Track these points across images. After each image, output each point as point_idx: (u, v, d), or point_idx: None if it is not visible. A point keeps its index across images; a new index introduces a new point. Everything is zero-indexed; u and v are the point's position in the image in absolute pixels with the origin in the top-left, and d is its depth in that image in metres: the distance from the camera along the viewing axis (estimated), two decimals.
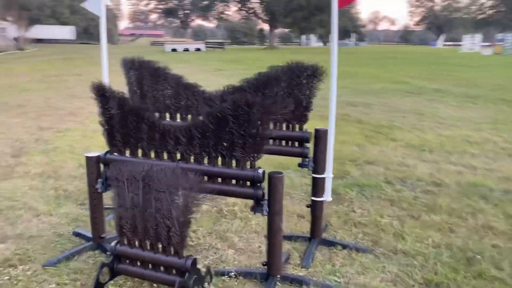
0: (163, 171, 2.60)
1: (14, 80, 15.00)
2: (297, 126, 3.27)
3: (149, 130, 2.88)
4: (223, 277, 2.86)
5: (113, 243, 2.71)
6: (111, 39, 66.91)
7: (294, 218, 3.82)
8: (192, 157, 2.83)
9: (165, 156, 2.91)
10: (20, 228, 3.49)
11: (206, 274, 2.72)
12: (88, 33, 65.16)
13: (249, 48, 52.72)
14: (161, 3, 55.67)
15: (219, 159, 2.76)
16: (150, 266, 2.64)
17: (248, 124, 2.61)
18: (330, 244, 3.31)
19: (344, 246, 3.26)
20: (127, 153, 3.00)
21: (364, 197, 4.31)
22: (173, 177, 2.57)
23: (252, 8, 51.66)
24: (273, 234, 2.75)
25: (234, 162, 2.72)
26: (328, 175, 3.28)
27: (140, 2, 68.66)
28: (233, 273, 2.88)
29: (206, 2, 51.23)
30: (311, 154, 3.22)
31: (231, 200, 4.06)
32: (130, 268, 2.69)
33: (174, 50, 35.45)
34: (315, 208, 3.33)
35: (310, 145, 3.21)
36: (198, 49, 36.68)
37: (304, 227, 3.61)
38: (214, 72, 18.46)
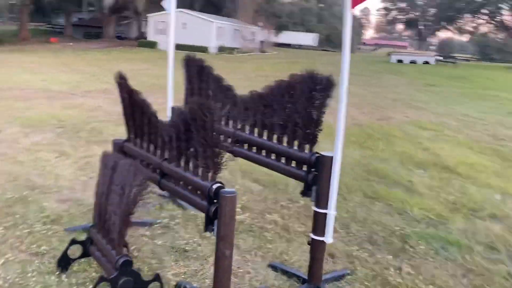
0: (123, 166, 2.62)
1: (226, 76, 17.12)
2: (306, 146, 2.80)
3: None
4: None
5: (91, 226, 2.87)
6: (350, 48, 68.71)
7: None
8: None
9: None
10: None
11: (152, 280, 2.61)
12: (329, 40, 68.61)
13: (495, 66, 46.15)
14: (402, 14, 53.98)
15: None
16: (100, 253, 2.70)
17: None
18: None
19: None
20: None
21: (435, 257, 3.34)
22: (126, 173, 2.56)
23: (503, 21, 44.80)
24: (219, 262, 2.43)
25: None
26: (330, 211, 2.68)
27: (388, 13, 68.36)
28: None
29: (450, 13, 47.06)
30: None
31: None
32: (94, 252, 2.81)
33: (400, 61, 33.99)
34: (314, 248, 2.78)
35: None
36: (426, 62, 34.17)
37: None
38: (422, 87, 16.99)
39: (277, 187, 4.62)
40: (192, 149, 2.54)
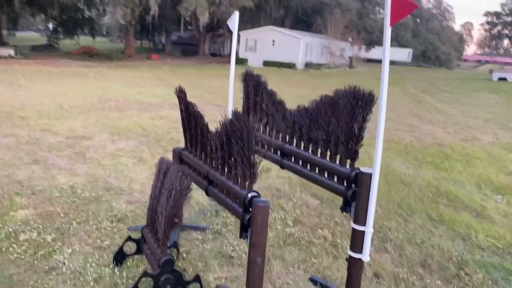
0: (173, 171, 2.84)
1: (309, 91, 17.16)
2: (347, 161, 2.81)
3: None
4: None
5: (144, 226, 3.14)
6: (447, 64, 65.10)
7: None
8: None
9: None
10: None
11: (193, 280, 2.79)
12: (425, 56, 65.62)
13: None
14: (508, 28, 49.86)
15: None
16: (149, 251, 2.93)
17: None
18: None
19: None
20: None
21: None
22: (174, 178, 2.78)
23: None
24: (251, 269, 2.53)
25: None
26: (368, 229, 2.64)
27: (492, 28, 63.80)
28: None
29: None
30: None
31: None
32: (146, 250, 3.06)
33: (502, 79, 31.33)
34: (351, 265, 2.75)
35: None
36: None
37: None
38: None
39: (335, 203, 4.59)
40: (232, 159, 2.68)
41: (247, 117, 2.50)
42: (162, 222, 2.76)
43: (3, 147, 5.94)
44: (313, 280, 3.09)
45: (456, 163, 6.60)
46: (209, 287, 2.90)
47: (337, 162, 2.87)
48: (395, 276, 3.21)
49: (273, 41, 36.45)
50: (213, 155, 2.93)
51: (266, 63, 35.95)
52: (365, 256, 2.69)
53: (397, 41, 65.64)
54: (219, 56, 46.20)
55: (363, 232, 2.66)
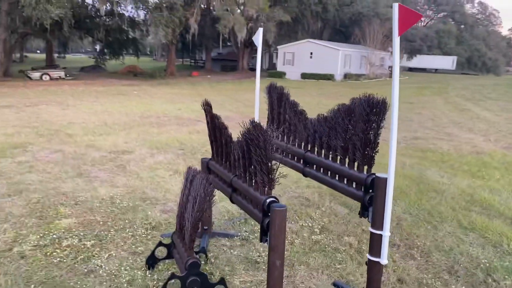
0: (198, 179, 3.03)
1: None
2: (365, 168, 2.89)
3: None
4: None
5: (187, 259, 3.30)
6: (494, 70, 62.68)
7: None
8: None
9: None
10: None
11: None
12: (470, 63, 63.55)
13: None
14: None
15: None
16: (178, 255, 3.12)
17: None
18: None
19: None
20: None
21: None
22: (199, 186, 2.97)
23: None
24: (271, 272, 2.65)
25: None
26: (385, 233, 2.70)
27: None
28: None
29: None
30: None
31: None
32: (175, 254, 3.25)
33: None
34: (370, 268, 2.81)
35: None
36: None
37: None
38: None
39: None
40: (252, 167, 2.84)
41: (262, 126, 2.65)
42: (188, 227, 2.94)
43: (51, 162, 6.39)
44: (335, 285, 3.16)
45: (494, 171, 6.43)
46: None
47: (355, 168, 2.96)
48: (419, 282, 3.22)
49: (311, 53, 36.56)
50: (236, 164, 3.10)
51: (304, 76, 36.06)
52: (383, 260, 2.74)
53: (440, 49, 64.04)
54: None
55: (381, 235, 2.72)
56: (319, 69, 35.78)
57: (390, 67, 42.97)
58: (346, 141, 2.99)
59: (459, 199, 5.07)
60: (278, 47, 39.60)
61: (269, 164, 2.66)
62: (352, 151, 2.95)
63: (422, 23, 70.34)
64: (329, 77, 35.14)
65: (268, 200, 2.64)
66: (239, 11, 34.81)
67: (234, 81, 30.42)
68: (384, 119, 2.77)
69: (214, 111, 3.56)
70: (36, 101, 15.29)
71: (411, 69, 56.25)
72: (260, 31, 4.20)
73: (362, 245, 3.80)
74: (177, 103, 15.57)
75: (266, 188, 2.72)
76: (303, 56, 36.64)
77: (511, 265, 3.47)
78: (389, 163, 2.65)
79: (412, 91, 23.72)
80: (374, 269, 2.80)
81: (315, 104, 16.55)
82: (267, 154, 2.65)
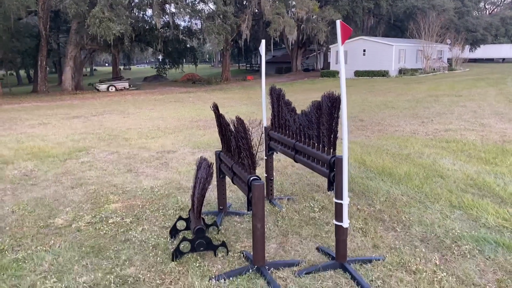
0: (203, 165, 3.86)
1: (395, 97, 17.22)
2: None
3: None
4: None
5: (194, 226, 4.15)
6: None
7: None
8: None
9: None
10: None
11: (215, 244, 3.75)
12: None
13: None
14: None
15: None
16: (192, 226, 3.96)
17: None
18: (345, 271, 3.39)
19: (353, 279, 3.27)
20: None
21: (476, 256, 3.56)
22: (204, 170, 3.80)
23: None
24: (254, 233, 3.42)
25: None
26: (344, 201, 3.36)
27: None
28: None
29: None
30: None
31: None
32: (191, 226, 4.10)
33: None
34: (337, 231, 3.48)
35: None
36: None
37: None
38: None
39: (365, 195, 5.22)
40: (242, 154, 3.61)
41: (243, 120, 3.42)
42: (195, 202, 3.78)
43: (107, 161, 7.55)
44: (319, 249, 3.84)
45: (511, 158, 6.67)
46: (235, 252, 3.81)
47: (326, 153, 3.63)
48: (391, 247, 3.82)
49: (364, 50, 36.44)
50: (235, 152, 3.89)
51: (358, 73, 36.01)
52: (345, 224, 3.40)
53: (508, 37, 60.65)
54: (312, 71, 47.13)
55: (341, 204, 3.38)
56: (373, 66, 35.59)
57: (450, 59, 41.58)
58: (318, 130, 3.68)
59: (460, 183, 5.49)
60: (330, 46, 39.79)
61: (251, 150, 3.42)
62: (322, 138, 3.63)
63: (488, 11, 66.72)
64: (383, 74, 34.84)
65: (251, 178, 3.40)
66: (289, 13, 35.53)
67: (286, 83, 31.18)
68: (339, 110, 3.41)
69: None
70: (101, 111, 17.04)
71: (475, 60, 53.78)
72: (263, 42, 4.95)
73: (352, 220, 4.42)
74: (226, 107, 16.61)
75: (251, 169, 3.49)
76: (356, 54, 36.59)
77: (478, 234, 3.95)
78: (342, 146, 3.30)
79: (467, 83, 23.14)
80: (339, 232, 3.46)
81: (360, 101, 16.90)
82: (248, 142, 3.41)
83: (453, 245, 3.78)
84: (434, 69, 37.41)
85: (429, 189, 5.29)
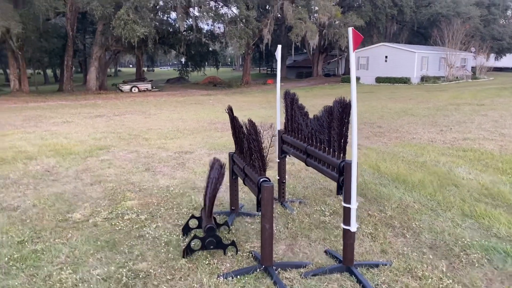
0: (215, 166, 3.97)
1: (416, 105, 17.06)
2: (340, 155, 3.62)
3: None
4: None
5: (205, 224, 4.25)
6: None
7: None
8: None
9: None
10: None
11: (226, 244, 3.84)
12: None
13: None
14: None
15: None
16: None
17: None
18: (352, 275, 3.44)
19: (359, 282, 3.32)
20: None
21: (484, 265, 3.56)
22: (215, 170, 3.91)
23: None
24: (262, 233, 3.50)
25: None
26: (352, 206, 3.41)
27: None
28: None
29: None
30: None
31: None
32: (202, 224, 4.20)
33: None
34: (345, 235, 3.53)
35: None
36: None
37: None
38: None
39: (377, 201, 5.24)
40: (253, 155, 3.70)
41: (254, 123, 3.52)
42: (207, 201, 3.89)
43: (126, 160, 7.75)
44: (327, 252, 3.90)
45: None
46: (244, 252, 3.90)
47: (336, 157, 3.69)
48: (399, 253, 3.84)
49: (386, 57, 36.18)
50: (247, 154, 3.98)
51: (379, 80, 35.76)
52: (353, 228, 3.45)
53: None
54: (333, 76, 46.97)
55: (349, 208, 3.44)
56: (395, 73, 35.29)
57: (474, 67, 40.87)
58: (329, 135, 3.74)
59: (474, 192, 5.46)
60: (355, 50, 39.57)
61: (262, 152, 3.51)
62: (332, 142, 3.70)
63: None
64: (405, 81, 34.51)
65: (261, 180, 3.49)
66: (311, 18, 35.55)
67: (306, 88, 31.20)
68: (349, 116, 3.47)
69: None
70: (123, 111, 17.39)
71: (500, 69, 52.69)
72: (279, 47, 5.04)
73: (363, 226, 4.46)
74: (245, 110, 16.75)
75: (261, 171, 3.57)
76: (377, 60, 36.36)
77: (488, 243, 3.94)
78: (352, 151, 3.36)
79: (490, 92, 22.75)
80: (347, 236, 3.51)
81: (380, 108, 16.82)
82: (259, 144, 3.50)
83: (461, 253, 3.79)
84: (457, 77, 36.85)
85: (442, 197, 5.28)
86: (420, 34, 47.58)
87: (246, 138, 3.81)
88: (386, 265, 3.61)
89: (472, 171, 6.50)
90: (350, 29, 3.21)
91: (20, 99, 25.69)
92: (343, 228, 3.53)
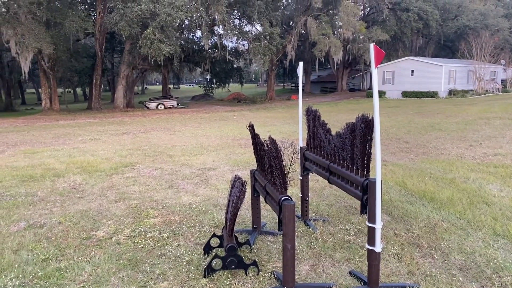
0: (236, 183, 3.94)
1: (443, 119, 16.68)
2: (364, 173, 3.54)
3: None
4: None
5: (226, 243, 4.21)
6: None
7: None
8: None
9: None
10: None
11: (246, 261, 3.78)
12: None
13: None
14: None
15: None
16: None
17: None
18: None
19: None
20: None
21: None
22: (237, 188, 3.88)
23: None
24: (284, 253, 3.43)
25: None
26: (376, 225, 3.30)
27: None
28: None
29: None
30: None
31: None
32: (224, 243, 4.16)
33: None
34: (369, 256, 3.42)
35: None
36: None
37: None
38: None
39: (404, 219, 5.08)
40: (274, 173, 3.66)
41: (275, 140, 3.47)
42: (228, 220, 3.85)
43: (151, 177, 7.81)
44: (351, 273, 3.78)
45: None
46: (266, 272, 3.83)
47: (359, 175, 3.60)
48: (427, 274, 3.69)
49: (412, 71, 35.71)
50: (268, 171, 3.94)
51: (405, 94, 35.28)
52: (377, 248, 3.34)
53: None
54: (358, 91, 46.64)
55: (374, 228, 3.33)
56: (421, 87, 34.76)
57: (504, 80, 39.85)
58: (352, 152, 3.67)
59: (506, 210, 5.23)
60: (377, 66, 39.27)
61: (283, 170, 3.46)
62: (355, 160, 3.62)
63: None
64: (432, 95, 33.93)
65: (282, 198, 3.43)
66: (335, 34, 35.55)
67: (330, 103, 31.01)
68: (372, 132, 3.39)
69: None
70: (149, 128, 17.66)
71: None
72: (301, 64, 5.02)
73: (389, 245, 4.32)
74: (269, 126, 16.75)
75: (282, 189, 3.52)
76: (403, 74, 35.93)
77: None
78: (375, 169, 3.27)
79: None
80: (371, 256, 3.40)
81: (406, 122, 16.53)
82: (280, 162, 3.46)
83: (494, 276, 3.61)
84: (486, 90, 35.98)
85: (472, 216, 5.09)
86: (447, 47, 46.85)
87: (267, 155, 3.77)
88: (413, 287, 3.47)
89: (504, 188, 6.25)
90: (371, 45, 3.16)
91: (50, 117, 26.49)
92: (368, 249, 3.42)
